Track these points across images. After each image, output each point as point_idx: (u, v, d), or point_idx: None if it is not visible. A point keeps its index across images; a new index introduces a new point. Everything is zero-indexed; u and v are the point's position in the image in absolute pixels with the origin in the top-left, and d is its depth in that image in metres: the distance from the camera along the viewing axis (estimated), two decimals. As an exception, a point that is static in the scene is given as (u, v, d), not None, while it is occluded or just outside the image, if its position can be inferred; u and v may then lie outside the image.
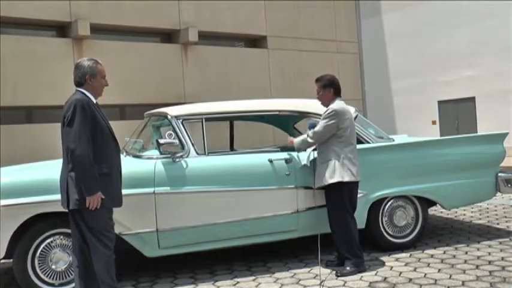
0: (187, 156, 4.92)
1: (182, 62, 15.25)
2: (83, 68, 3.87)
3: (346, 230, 4.82)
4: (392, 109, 19.50)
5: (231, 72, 15.96)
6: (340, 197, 4.80)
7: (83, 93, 3.82)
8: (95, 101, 3.85)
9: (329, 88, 4.93)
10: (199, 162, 4.94)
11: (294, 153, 5.23)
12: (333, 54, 18.34)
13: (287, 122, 6.72)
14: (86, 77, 3.85)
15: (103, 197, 3.71)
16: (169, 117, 5.17)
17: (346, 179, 4.75)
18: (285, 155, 5.22)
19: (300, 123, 6.62)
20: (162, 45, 15.39)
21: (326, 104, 4.94)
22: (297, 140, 5.02)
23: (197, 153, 4.99)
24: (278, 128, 7.04)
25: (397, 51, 19.39)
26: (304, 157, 5.09)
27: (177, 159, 4.87)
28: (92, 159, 3.64)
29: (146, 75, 14.63)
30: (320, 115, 5.27)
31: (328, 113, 4.79)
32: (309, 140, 4.83)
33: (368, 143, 5.51)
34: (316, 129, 4.78)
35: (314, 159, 5.05)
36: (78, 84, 3.87)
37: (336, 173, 4.75)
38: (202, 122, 5.22)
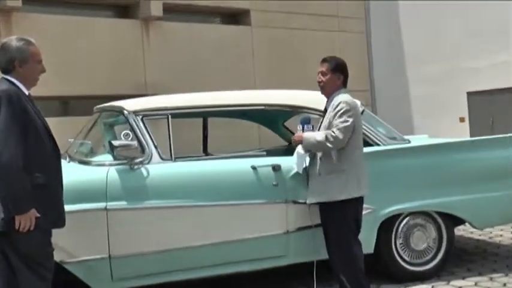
0: (148, 162, 4.93)
1: (142, 42, 15.17)
2: (10, 50, 3.79)
3: (350, 256, 4.83)
4: (408, 103, 19.53)
5: (205, 56, 15.91)
6: (344, 214, 4.81)
7: (11, 82, 3.77)
8: (27, 93, 3.81)
9: (339, 74, 4.95)
10: (163, 170, 4.94)
11: (284, 159, 5.25)
12: (333, 34, 18.34)
13: (276, 119, 6.74)
14: (14, 63, 3.78)
15: (38, 215, 3.67)
16: (125, 112, 5.17)
17: (355, 194, 4.79)
18: (272, 160, 5.23)
19: (291, 121, 6.64)
20: (116, 21, 15.30)
21: (329, 93, 4.95)
22: (309, 137, 4.85)
23: (161, 159, 5.00)
24: (264, 127, 7.06)
25: (414, 30, 19.46)
26: (295, 162, 5.08)
27: (136, 166, 4.87)
28: (23, 166, 3.60)
29: (96, 59, 14.52)
30: (318, 110, 5.30)
31: (344, 110, 4.78)
32: (328, 144, 4.73)
33: (377, 145, 5.54)
34: (336, 132, 4.71)
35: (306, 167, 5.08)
36: (5, 71, 3.81)
37: (347, 187, 4.77)
38: (167, 119, 5.22)
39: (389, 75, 19.77)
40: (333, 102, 4.87)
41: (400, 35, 19.74)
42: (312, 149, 4.87)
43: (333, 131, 4.71)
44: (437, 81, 18.99)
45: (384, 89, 19.94)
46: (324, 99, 5.03)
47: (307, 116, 5.04)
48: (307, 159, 5.02)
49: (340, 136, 4.69)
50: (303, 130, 4.93)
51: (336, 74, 4.93)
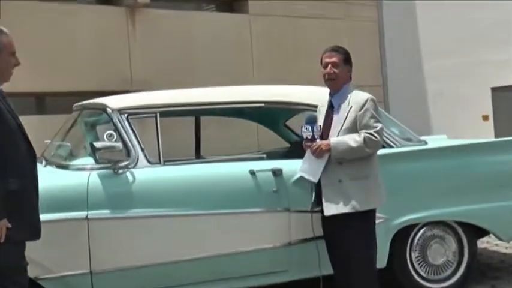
0: (134, 166, 4.93)
1: (128, 32, 15.16)
2: (-21, 41, 3.82)
3: (372, 275, 4.86)
4: (425, 100, 19.49)
5: (198, 48, 15.90)
6: (368, 226, 4.85)
7: (-19, 77, 3.79)
8: (-2, 89, 3.83)
9: (349, 66, 4.99)
10: (151, 175, 4.96)
11: (285, 162, 5.27)
12: (340, 22, 18.31)
13: (276, 117, 6.75)
14: (-17, 55, 3.80)
15: (9, 225, 3.67)
16: (109, 111, 5.17)
17: (380, 202, 4.89)
18: (272, 164, 5.25)
19: (293, 120, 6.65)
20: (98, 8, 15.30)
21: (338, 87, 4.93)
22: (340, 144, 4.72)
23: (149, 162, 5.01)
24: (263, 126, 7.07)
25: (433, 17, 19.47)
26: (306, 170, 4.94)
27: (120, 171, 4.87)
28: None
29: (75, 51, 14.51)
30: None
31: (374, 108, 4.82)
32: (368, 150, 4.72)
33: (390, 147, 5.55)
34: (376, 135, 4.71)
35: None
36: (-27, 64, 3.83)
37: (373, 195, 4.81)
38: (156, 117, 5.21)
39: (404, 68, 19.74)
40: (350, 98, 4.86)
41: (417, 24, 19.72)
42: (344, 157, 4.76)
43: (372, 134, 4.71)
44: (457, 76, 18.97)
45: (398, 84, 19.90)
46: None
47: (314, 115, 4.99)
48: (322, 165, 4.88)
49: (380, 139, 4.75)
50: (312, 132, 4.79)
51: (347, 66, 4.95)
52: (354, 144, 4.68)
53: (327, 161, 4.77)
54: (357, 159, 4.73)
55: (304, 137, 4.82)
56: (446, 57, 19.08)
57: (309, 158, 4.85)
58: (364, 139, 4.67)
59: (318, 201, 4.88)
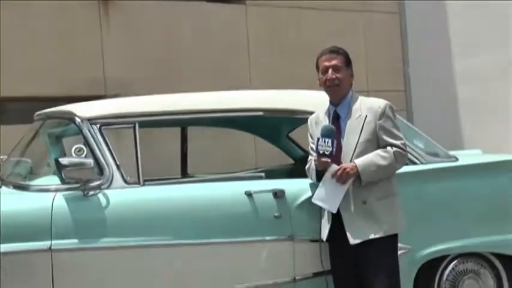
0: (108, 187, 4.95)
1: (100, 27, 15.20)
2: None
3: None
4: (455, 107, 19.47)
5: (184, 45, 15.92)
6: (396, 253, 4.94)
7: None
8: None
9: (351, 69, 5.08)
10: (128, 197, 4.97)
11: (289, 182, 5.29)
12: (354, 15, 18.33)
13: (277, 128, 6.77)
14: None
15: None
16: (77, 120, 5.17)
17: (404, 223, 5.00)
18: (273, 184, 5.25)
19: (298, 131, 6.66)
20: (65, 1, 15.36)
21: (342, 94, 5.00)
22: (368, 165, 4.79)
23: (125, 182, 5.02)
24: (262, 139, 7.08)
25: (465, 9, 19.54)
26: (323, 197, 4.91)
27: (91, 192, 4.88)
28: None
29: (38, 50, 14.53)
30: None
31: (393, 111, 4.97)
32: (398, 166, 4.87)
33: (414, 163, 5.55)
34: (404, 148, 4.87)
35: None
36: None
37: (401, 215, 4.94)
38: (134, 128, 5.22)
39: (429, 70, 19.76)
40: (360, 106, 4.94)
41: (446, 16, 19.76)
42: (373, 179, 4.83)
43: (400, 147, 4.85)
44: (495, 78, 19.00)
45: (423, 89, 19.86)
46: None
47: (331, 127, 4.96)
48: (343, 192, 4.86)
49: (407, 152, 4.94)
50: (332, 147, 4.78)
51: (349, 69, 5.05)
52: (383, 162, 4.78)
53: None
54: None
55: (321, 152, 4.80)
56: (482, 56, 19.09)
57: (327, 183, 4.86)
58: (395, 155, 4.80)
59: (332, 228, 4.92)
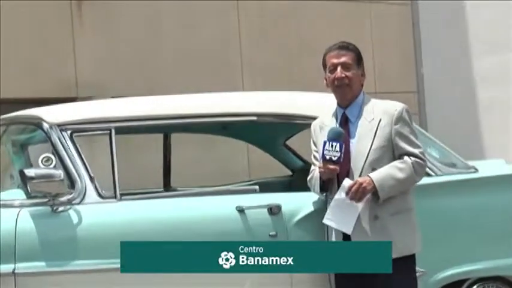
0: (80, 202, 4.94)
1: (72, 25, 15.23)
2: None
3: None
4: (475, 111, 19.51)
5: (166, 42, 15.97)
6: (411, 277, 4.93)
7: None
8: None
9: (362, 67, 5.08)
10: (103, 214, 4.97)
11: (285, 196, 5.31)
12: (361, 6, 18.39)
13: (273, 135, 6.77)
14: None
15: None
16: (45, 126, 5.17)
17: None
18: (268, 198, 5.26)
19: (296, 138, 6.67)
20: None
21: (353, 95, 4.99)
22: (385, 179, 4.77)
23: (100, 196, 5.02)
24: (256, 147, 7.08)
25: (483, 1, 19.61)
26: (335, 218, 4.89)
27: (61, 208, 4.87)
28: None
29: (6, 50, 14.58)
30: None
31: (409, 116, 4.99)
32: (418, 179, 4.90)
33: (428, 175, 5.52)
34: (419, 149, 4.89)
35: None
36: None
37: (418, 233, 4.93)
38: (110, 135, 5.22)
39: (445, 70, 19.80)
40: (373, 108, 4.95)
41: (464, 8, 19.81)
42: (392, 195, 4.84)
43: (418, 156, 4.86)
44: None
45: (438, 91, 19.88)
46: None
47: (339, 129, 4.90)
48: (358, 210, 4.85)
49: (426, 162, 4.99)
50: (340, 152, 4.74)
51: (361, 68, 5.05)
52: (401, 175, 4.78)
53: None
54: None
55: (328, 157, 4.75)
56: (503, 55, 19.16)
57: (340, 201, 4.83)
58: (414, 166, 4.80)
59: None
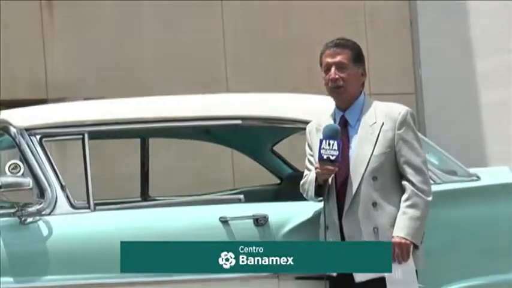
0: (51, 213, 4.93)
1: (42, 23, 15.24)
2: None
3: None
4: (478, 114, 19.55)
5: (144, 41, 15.97)
6: None
7: None
8: None
9: (362, 65, 5.07)
10: (76, 226, 4.97)
11: (273, 206, 5.33)
12: (355, 2, 18.49)
13: (260, 140, 6.75)
14: None
15: None
16: (12, 130, 5.17)
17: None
18: (253, 208, 5.27)
19: (285, 143, 6.66)
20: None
21: (349, 97, 5.00)
22: (413, 224, 4.84)
23: (72, 206, 5.02)
24: (241, 153, 7.06)
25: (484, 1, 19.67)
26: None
27: (30, 219, 4.86)
28: None
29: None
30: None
31: (414, 120, 5.02)
32: (428, 197, 4.91)
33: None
34: (421, 159, 4.93)
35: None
36: None
37: (420, 248, 4.94)
38: (83, 140, 5.22)
39: (445, 71, 19.82)
40: (374, 111, 4.96)
41: (465, 8, 19.88)
42: (423, 230, 4.93)
43: (419, 169, 4.91)
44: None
45: (437, 93, 19.93)
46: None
47: (336, 126, 4.92)
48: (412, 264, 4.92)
49: (426, 173, 5.00)
50: (338, 150, 4.75)
51: (359, 66, 5.02)
52: (418, 212, 4.84)
53: (352, 200, 4.85)
54: (396, 196, 4.86)
55: (325, 157, 4.74)
56: (506, 53, 19.21)
57: (398, 267, 4.85)
58: (418, 191, 4.84)
59: None
